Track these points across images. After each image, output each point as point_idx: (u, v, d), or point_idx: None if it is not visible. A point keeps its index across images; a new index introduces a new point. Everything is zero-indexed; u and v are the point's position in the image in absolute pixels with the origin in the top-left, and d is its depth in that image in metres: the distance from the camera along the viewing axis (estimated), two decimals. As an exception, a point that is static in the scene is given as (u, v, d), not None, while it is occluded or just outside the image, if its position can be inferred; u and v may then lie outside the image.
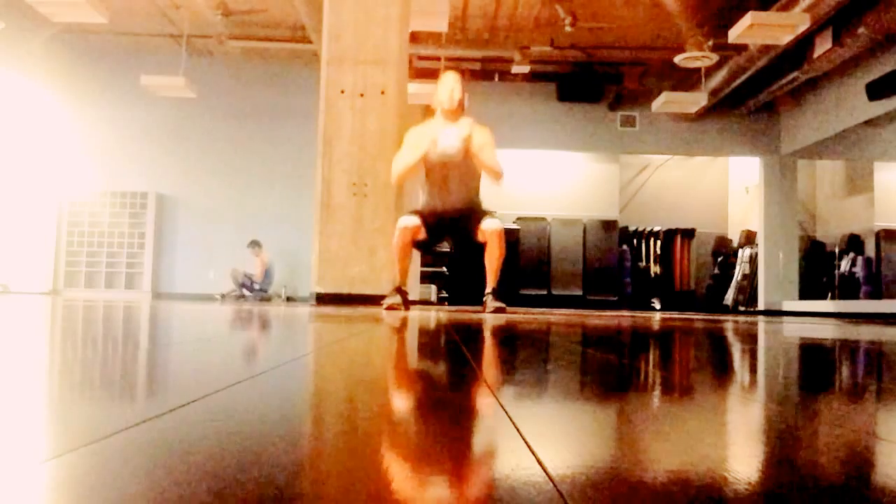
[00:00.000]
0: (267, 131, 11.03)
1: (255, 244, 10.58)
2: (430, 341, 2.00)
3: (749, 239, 11.70)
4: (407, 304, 4.81)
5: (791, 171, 11.14)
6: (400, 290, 4.77)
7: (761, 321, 5.01)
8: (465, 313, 4.68)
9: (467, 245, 4.83)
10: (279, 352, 1.51)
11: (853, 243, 11.00)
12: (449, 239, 5.05)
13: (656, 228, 11.92)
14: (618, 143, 11.30)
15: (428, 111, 5.13)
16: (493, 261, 4.81)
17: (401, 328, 2.49)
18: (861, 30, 7.44)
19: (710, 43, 7.84)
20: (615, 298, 11.29)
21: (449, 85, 4.83)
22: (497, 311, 4.68)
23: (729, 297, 11.71)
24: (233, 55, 10.77)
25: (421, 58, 9.50)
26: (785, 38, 7.02)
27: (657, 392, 0.93)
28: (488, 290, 4.82)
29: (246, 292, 10.53)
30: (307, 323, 2.74)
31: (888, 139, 10.33)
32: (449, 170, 4.77)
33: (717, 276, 12.00)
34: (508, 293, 10.49)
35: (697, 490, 0.43)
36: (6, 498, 0.36)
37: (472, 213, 4.80)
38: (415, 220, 4.73)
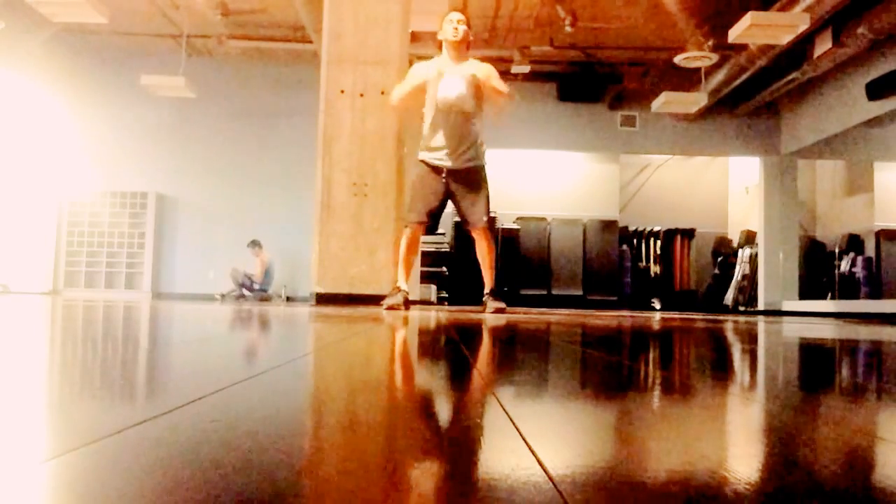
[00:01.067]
0: (267, 131, 11.02)
1: (255, 244, 10.58)
2: (430, 341, 2.00)
3: (749, 239, 11.69)
4: (407, 304, 4.81)
5: (791, 171, 11.13)
6: (400, 291, 4.78)
7: (761, 321, 5.01)
8: (465, 313, 4.68)
9: (463, 217, 4.87)
10: (279, 352, 1.51)
11: (853, 243, 10.99)
12: (447, 200, 4.96)
13: (656, 228, 11.91)
14: (618, 143, 11.30)
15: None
16: (483, 257, 4.88)
17: (401, 328, 2.49)
18: (861, 30, 7.43)
19: (710, 43, 7.83)
20: (615, 298, 11.28)
21: (454, 20, 4.91)
22: (497, 311, 4.69)
23: (729, 297, 11.71)
24: (233, 55, 10.76)
25: (421, 58, 9.49)
26: (785, 38, 7.02)
27: (657, 392, 0.93)
28: (487, 290, 4.84)
29: (246, 292, 10.52)
30: (307, 323, 2.74)
31: (888, 139, 10.32)
32: (452, 116, 4.78)
33: (717, 276, 11.99)
34: (509, 293, 10.50)
35: (697, 490, 0.43)
36: (6, 498, 0.36)
37: (471, 173, 4.80)
38: (422, 217, 4.77)
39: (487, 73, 4.81)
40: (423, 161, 4.87)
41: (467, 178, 4.81)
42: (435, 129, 4.82)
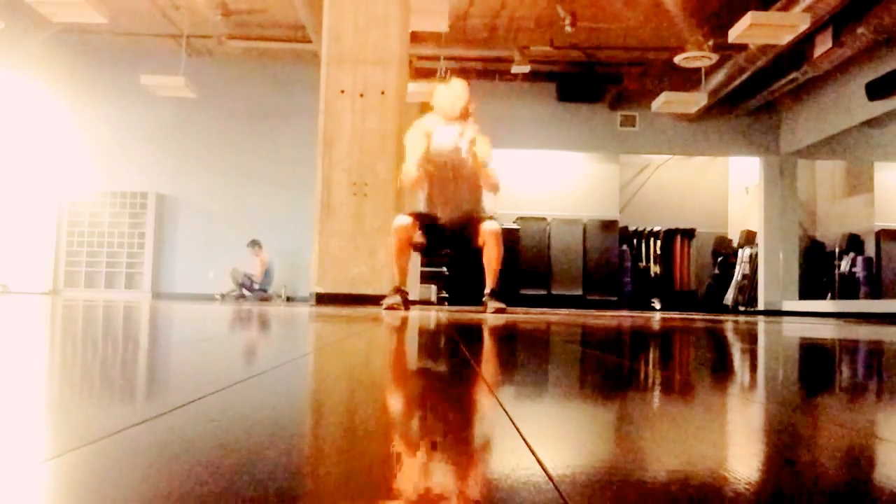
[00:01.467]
0: (267, 131, 11.02)
1: (254, 244, 10.57)
2: (430, 341, 2.00)
3: (749, 239, 11.69)
4: (407, 304, 4.80)
5: (791, 171, 11.13)
6: (400, 291, 4.77)
7: (761, 321, 5.00)
8: (465, 313, 4.68)
9: (466, 251, 4.83)
10: (279, 352, 1.51)
11: (853, 243, 10.99)
12: (448, 249, 5.06)
13: (656, 228, 11.91)
14: (618, 143, 11.29)
15: (425, 108, 5.09)
16: (491, 261, 4.80)
17: (401, 328, 2.49)
18: (861, 30, 7.43)
19: (710, 43, 7.83)
20: (615, 298, 11.28)
21: (454, 94, 4.73)
22: (498, 311, 4.67)
23: (729, 297, 11.71)
24: (233, 55, 10.76)
25: (421, 58, 9.49)
26: (785, 38, 7.02)
27: (657, 392, 0.93)
28: (487, 290, 4.81)
29: (245, 292, 10.52)
30: (307, 323, 2.74)
31: (888, 139, 10.32)
32: (448, 172, 4.74)
33: (717, 276, 11.99)
34: (508, 293, 10.47)
35: (697, 490, 0.43)
36: (6, 498, 0.36)
37: (470, 222, 4.79)
38: (407, 220, 4.72)
39: (484, 153, 4.69)
40: (413, 214, 4.82)
41: (465, 225, 4.78)
42: (431, 194, 4.78)
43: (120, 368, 1.03)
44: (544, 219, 11.37)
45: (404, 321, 3.00)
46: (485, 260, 4.82)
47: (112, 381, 0.89)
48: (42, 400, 0.73)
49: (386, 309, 4.58)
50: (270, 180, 10.93)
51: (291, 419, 0.66)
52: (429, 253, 5.01)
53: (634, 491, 0.42)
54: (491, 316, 4.21)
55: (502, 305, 4.75)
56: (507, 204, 10.84)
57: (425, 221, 4.80)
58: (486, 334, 2.29)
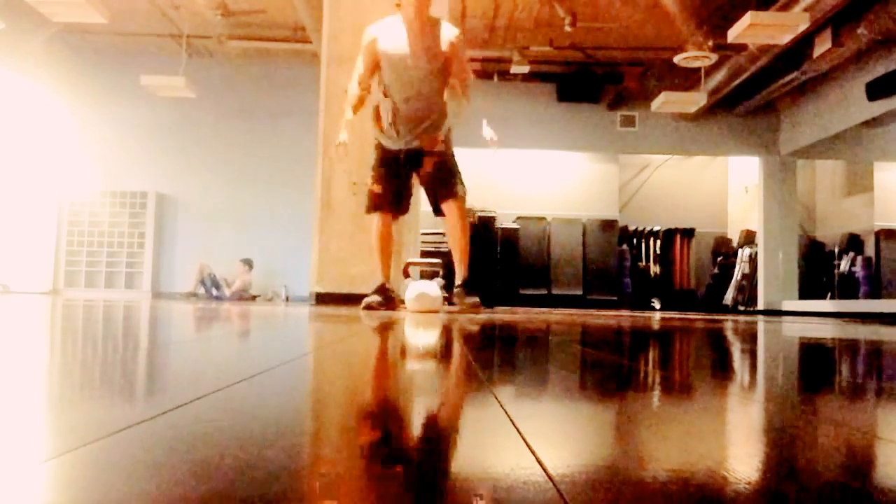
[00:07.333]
0: (267, 131, 11.01)
1: (247, 262, 10.52)
2: (429, 341, 2.00)
3: (749, 239, 11.69)
4: (393, 302, 4.30)
5: (791, 171, 11.13)
6: (383, 288, 4.27)
7: (761, 321, 5.00)
8: (461, 313, 4.67)
9: (433, 195, 4.17)
10: (278, 351, 1.51)
11: (853, 243, 10.99)
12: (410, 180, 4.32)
13: (656, 228, 11.91)
14: (618, 143, 11.29)
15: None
16: (455, 238, 4.09)
17: (399, 329, 2.49)
18: (861, 30, 7.43)
19: (710, 43, 7.83)
20: (615, 298, 11.27)
21: None
22: (472, 309, 4.09)
23: (728, 296, 11.70)
24: (233, 55, 10.76)
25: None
26: (785, 38, 7.02)
27: (657, 392, 0.93)
28: (458, 281, 4.17)
29: (215, 291, 10.41)
30: (306, 323, 2.74)
31: (888, 139, 10.32)
32: (403, 81, 4.06)
33: (717, 275, 11.99)
34: (508, 293, 10.51)
35: (697, 490, 0.43)
36: (6, 498, 0.36)
37: (428, 153, 4.12)
38: (385, 218, 4.23)
39: (459, 43, 4.09)
40: (378, 144, 4.22)
41: (430, 159, 4.16)
42: (387, 100, 4.08)
43: (120, 368, 1.03)
44: (544, 219, 11.36)
45: (387, 322, 3.00)
46: (447, 236, 4.18)
47: (112, 380, 0.89)
48: (42, 400, 0.73)
49: (364, 308, 4.07)
50: (270, 180, 10.93)
51: (291, 419, 0.66)
52: (400, 200, 4.29)
53: (634, 491, 0.42)
54: (464, 317, 3.57)
55: (476, 300, 4.16)
56: (506, 204, 10.85)
57: (385, 158, 4.17)
58: (483, 334, 2.29)
